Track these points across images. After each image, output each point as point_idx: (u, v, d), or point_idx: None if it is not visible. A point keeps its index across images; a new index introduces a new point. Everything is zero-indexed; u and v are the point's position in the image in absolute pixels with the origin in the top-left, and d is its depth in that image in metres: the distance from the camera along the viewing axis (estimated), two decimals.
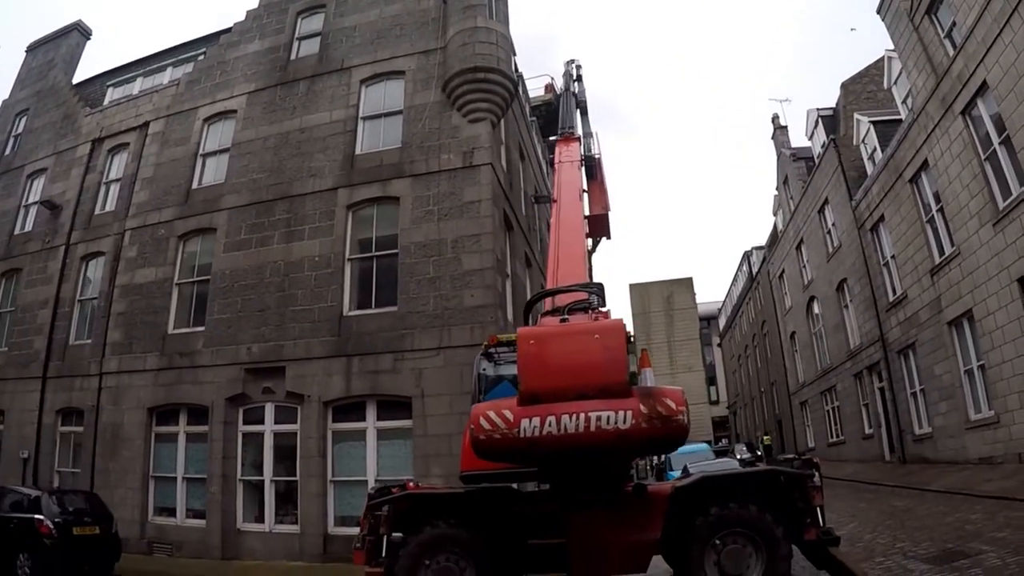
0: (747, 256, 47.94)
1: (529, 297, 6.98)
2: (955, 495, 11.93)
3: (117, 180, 17.12)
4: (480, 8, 14.13)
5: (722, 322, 63.69)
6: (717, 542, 5.97)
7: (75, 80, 20.01)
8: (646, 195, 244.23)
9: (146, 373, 14.76)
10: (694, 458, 17.13)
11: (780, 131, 33.53)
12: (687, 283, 77.37)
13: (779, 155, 33.21)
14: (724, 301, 62.32)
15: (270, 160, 15.33)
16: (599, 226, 8.19)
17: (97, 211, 17.09)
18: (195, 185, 16.10)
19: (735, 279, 55.05)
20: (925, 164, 16.69)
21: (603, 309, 6.49)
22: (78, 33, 20.52)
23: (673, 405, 5.50)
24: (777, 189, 34.21)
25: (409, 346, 12.68)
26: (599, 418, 5.37)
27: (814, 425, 31.50)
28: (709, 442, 58.64)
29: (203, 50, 17.84)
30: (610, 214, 8.41)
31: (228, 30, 17.37)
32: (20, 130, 19.74)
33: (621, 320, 6.01)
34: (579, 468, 6.33)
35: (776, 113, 35.93)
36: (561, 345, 5.83)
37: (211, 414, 13.80)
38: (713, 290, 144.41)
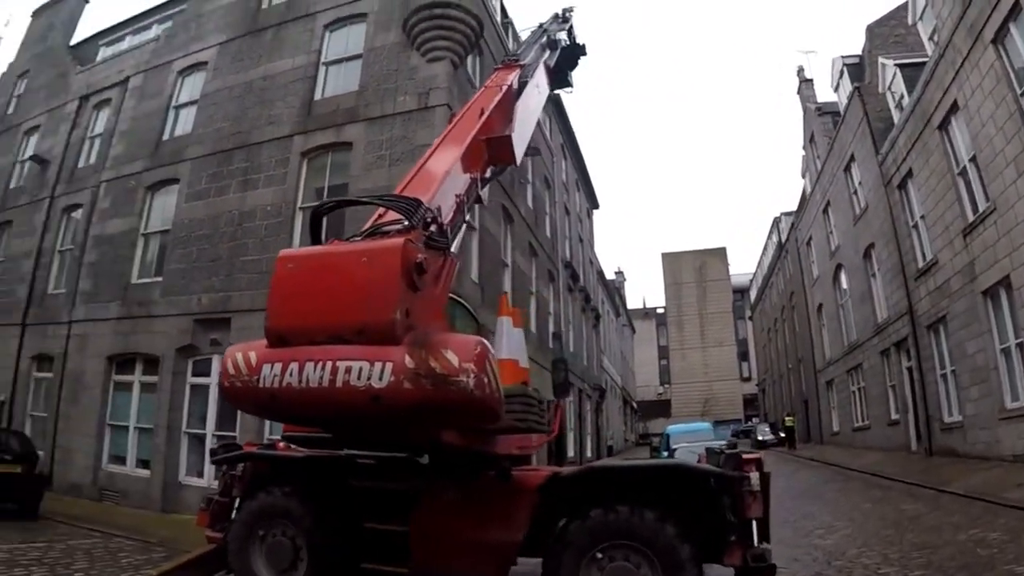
0: (776, 223, 45.15)
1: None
2: (976, 501, 10.01)
3: (99, 135, 17.35)
4: None
5: (753, 294, 60.42)
6: (599, 555, 4.49)
7: (74, 41, 20.56)
8: (683, 162, 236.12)
9: (108, 322, 14.82)
10: (690, 437, 15.52)
11: (805, 84, 30.73)
12: (720, 253, 75.44)
13: (805, 111, 30.63)
14: (755, 271, 59.02)
15: (233, 109, 15.08)
16: (502, 149, 6.84)
17: (80, 165, 17.39)
18: (165, 137, 16.07)
19: (765, 248, 52.02)
20: (955, 106, 14.42)
21: (416, 231, 4.78)
22: None
23: (454, 361, 3.93)
24: (804, 148, 31.50)
25: None
26: (348, 370, 4.02)
27: (839, 407, 28.88)
28: (738, 420, 55.68)
29: (185, 5, 17.79)
30: (514, 136, 7.08)
31: None
32: (21, 91, 20.45)
33: (402, 239, 4.38)
34: (354, 434, 5.01)
35: (801, 65, 33.02)
36: (320, 270, 4.47)
37: (161, 364, 13.74)
38: (747, 261, 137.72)
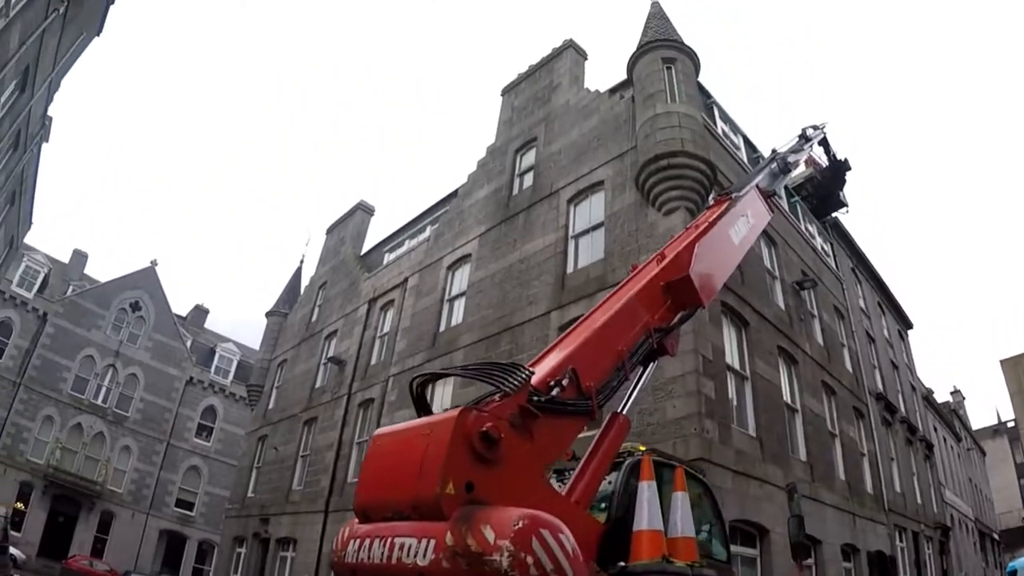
0: None
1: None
2: None
3: (386, 334, 19.18)
4: (659, 95, 13.16)
5: None
6: None
7: (362, 251, 23.65)
8: (990, 243, 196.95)
9: None
10: None
11: None
12: None
13: None
14: None
15: (496, 295, 15.75)
16: (683, 291, 6.19)
17: (372, 362, 19.20)
18: (441, 329, 17.17)
19: None
20: None
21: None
22: (362, 211, 24.59)
23: (490, 537, 3.60)
24: None
25: None
26: (402, 546, 3.96)
27: None
28: None
29: (448, 206, 19.67)
30: (697, 275, 6.23)
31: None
32: (321, 301, 23.72)
33: (458, 410, 4.11)
34: None
35: None
36: (396, 446, 4.53)
37: None
38: None
